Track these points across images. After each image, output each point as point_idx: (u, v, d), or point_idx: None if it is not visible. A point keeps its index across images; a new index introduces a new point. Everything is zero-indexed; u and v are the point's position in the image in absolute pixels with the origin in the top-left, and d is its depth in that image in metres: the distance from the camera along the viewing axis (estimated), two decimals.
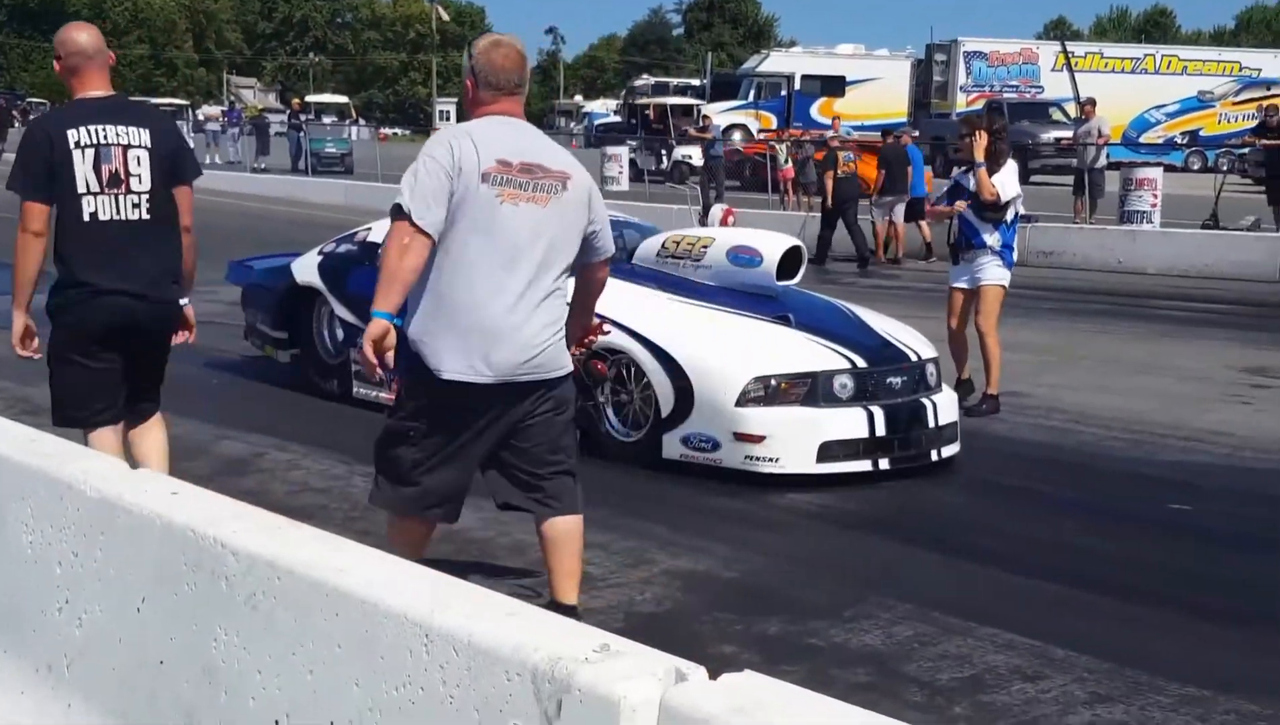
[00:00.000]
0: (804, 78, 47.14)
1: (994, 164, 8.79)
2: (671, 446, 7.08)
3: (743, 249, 7.91)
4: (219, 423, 8.39)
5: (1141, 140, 38.59)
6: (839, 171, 19.01)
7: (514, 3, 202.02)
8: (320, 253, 9.30)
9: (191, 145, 5.50)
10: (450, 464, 4.49)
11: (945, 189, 9.55)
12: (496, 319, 4.29)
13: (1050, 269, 16.75)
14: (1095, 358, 11.37)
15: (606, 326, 5.79)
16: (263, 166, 39.15)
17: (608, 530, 6.17)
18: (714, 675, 2.12)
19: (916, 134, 24.87)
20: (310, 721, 2.57)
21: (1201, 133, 40.16)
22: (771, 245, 7.92)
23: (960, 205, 8.89)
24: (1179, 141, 39.78)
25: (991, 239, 8.80)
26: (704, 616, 5.18)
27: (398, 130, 78.51)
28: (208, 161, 42.26)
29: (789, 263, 7.80)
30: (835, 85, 47.04)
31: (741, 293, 7.76)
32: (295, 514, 5.62)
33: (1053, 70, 42.18)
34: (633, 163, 34.23)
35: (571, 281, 4.67)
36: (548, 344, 4.40)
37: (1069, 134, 27.24)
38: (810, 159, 26.50)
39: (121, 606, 3.06)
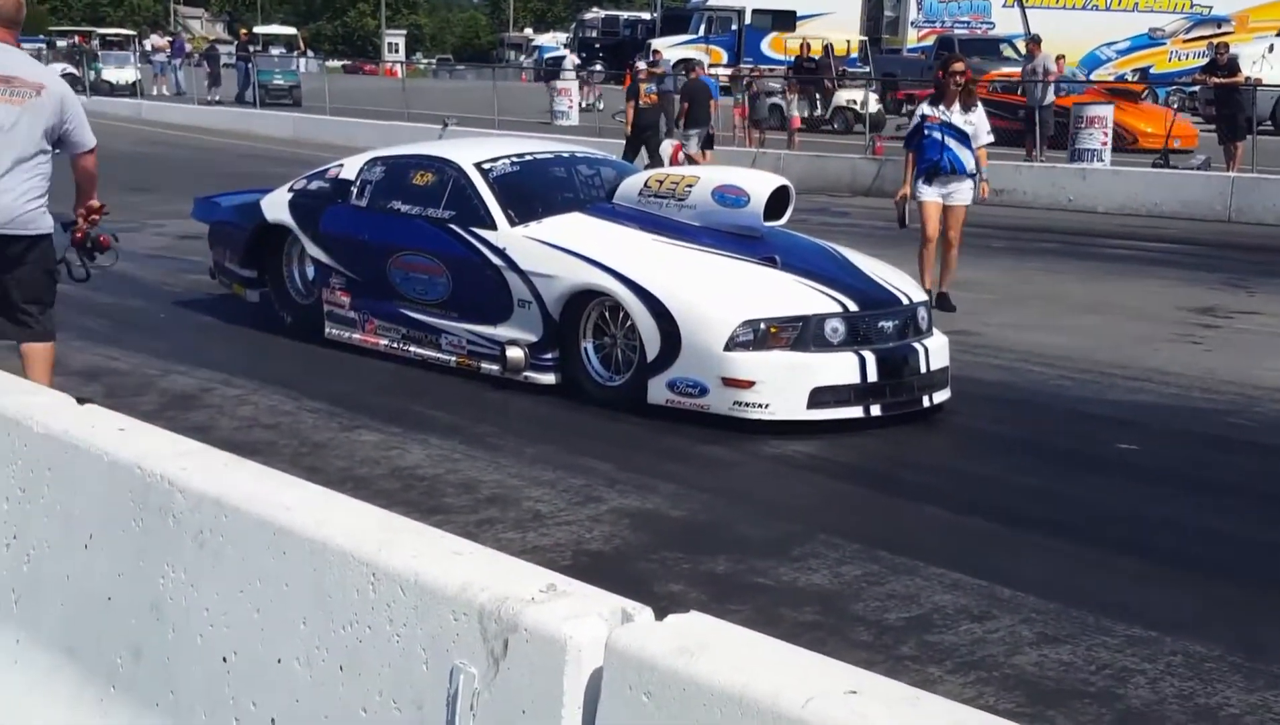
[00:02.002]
0: (755, 12, 46.94)
1: (972, 102, 10.32)
2: (657, 391, 6.95)
3: (729, 188, 7.69)
4: (167, 357, 8.34)
5: (1095, 77, 38.61)
6: (640, 102, 20.36)
7: None
8: (290, 190, 9.12)
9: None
10: None
11: (911, 127, 10.69)
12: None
13: (1000, 207, 16.68)
14: (1044, 297, 11.39)
15: (107, 207, 6.22)
16: (215, 99, 38.61)
17: (555, 468, 6.22)
18: (660, 616, 2.13)
19: (669, 65, 25.43)
20: (258, 659, 2.57)
21: (1152, 70, 40.12)
22: (759, 184, 7.73)
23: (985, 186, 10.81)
24: (1129, 79, 39.79)
25: (971, 165, 10.17)
26: (652, 555, 5.17)
27: (344, 63, 77.49)
28: (155, 93, 41.77)
29: (776, 202, 7.60)
30: (786, 20, 46.84)
31: (727, 234, 7.57)
32: (243, 450, 5.60)
33: (1004, 6, 41.92)
34: (777, 109, 27.68)
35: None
36: (28, 210, 5.61)
37: (1018, 70, 27.25)
38: (761, 95, 26.52)
39: (69, 543, 3.04)
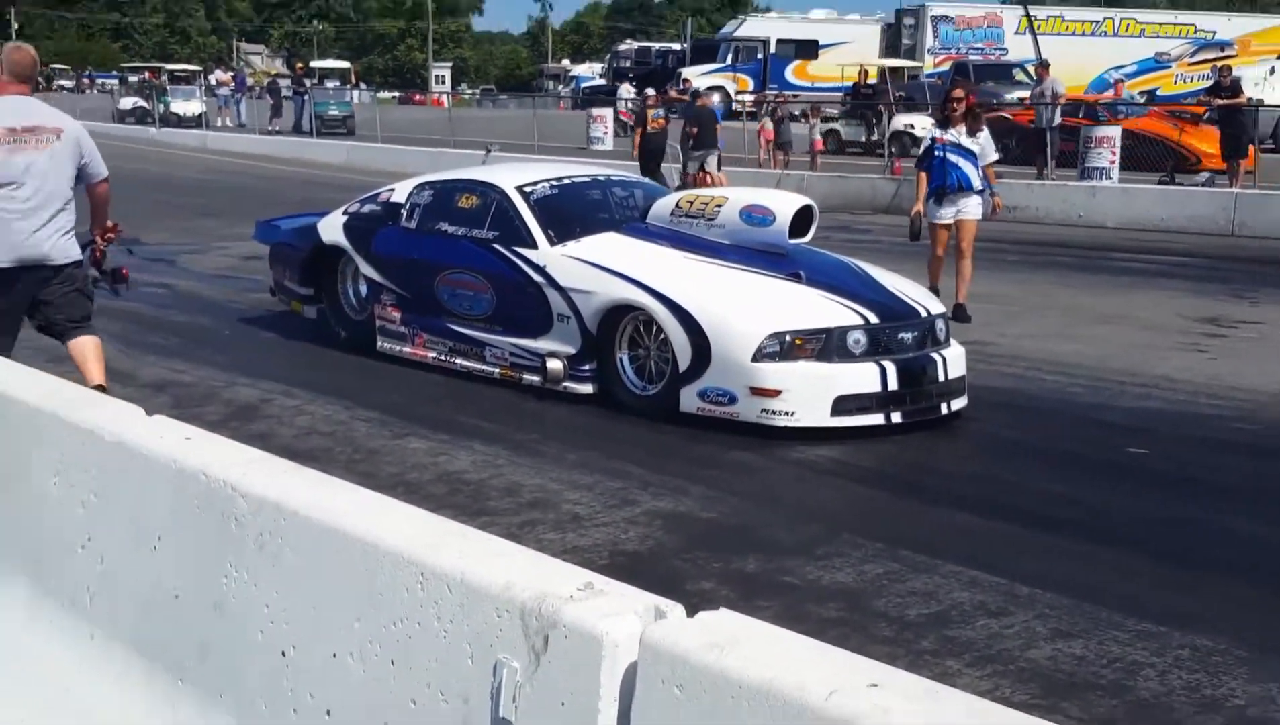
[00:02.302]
0: (779, 41, 46.93)
1: (978, 125, 10.52)
2: (689, 400, 6.93)
3: (756, 208, 7.65)
4: (230, 370, 8.40)
5: (1101, 100, 38.44)
6: (648, 128, 20.99)
7: None
8: (345, 213, 9.16)
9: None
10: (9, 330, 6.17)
11: (924, 149, 10.80)
12: (21, 228, 5.87)
13: (1014, 223, 16.62)
14: (1057, 308, 11.34)
15: (121, 227, 6.72)
16: (275, 129, 38.96)
17: (593, 472, 6.22)
18: (691, 613, 2.13)
19: (716, 97, 24.93)
20: (314, 654, 2.57)
21: (1159, 92, 39.91)
22: (784, 204, 7.67)
23: (998, 201, 10.91)
24: (1138, 100, 39.58)
25: (978, 182, 10.30)
26: (684, 554, 5.17)
27: (394, 94, 78.00)
28: (219, 124, 42.15)
29: (800, 221, 7.55)
30: (809, 49, 46.86)
31: (754, 250, 7.52)
32: (301, 457, 5.64)
33: (1016, 33, 41.74)
34: (834, 134, 28.22)
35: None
36: (61, 242, 6.02)
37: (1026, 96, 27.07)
38: (786, 119, 26.50)
39: (139, 545, 3.06)
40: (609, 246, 7.73)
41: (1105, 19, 45.51)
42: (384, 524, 2.54)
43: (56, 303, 6.15)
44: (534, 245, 7.79)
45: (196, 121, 42.11)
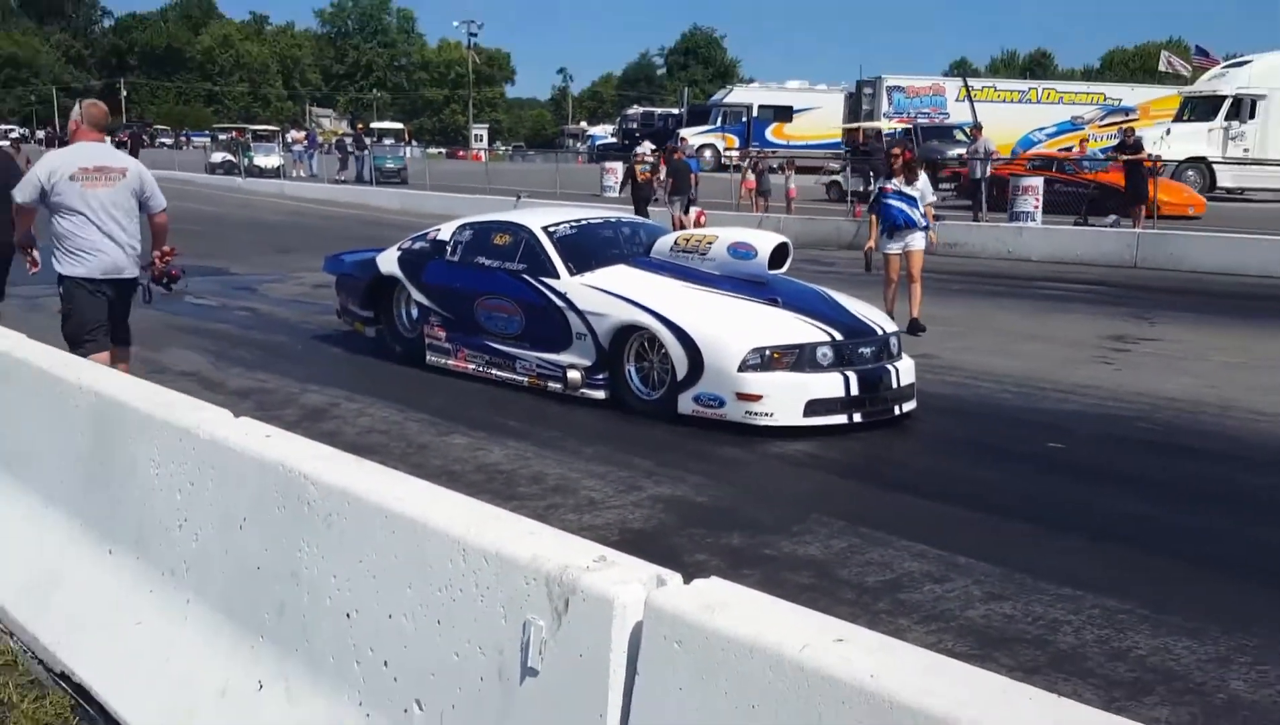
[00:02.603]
0: (760, 107, 47.06)
1: (913, 175, 10.79)
2: (685, 404, 6.95)
3: (741, 244, 7.68)
4: (304, 379, 8.41)
5: (1028, 155, 38.47)
6: (637, 179, 21.27)
7: (530, 48, 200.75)
8: (399, 249, 9.15)
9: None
10: (103, 327, 6.12)
11: (873, 196, 11.15)
12: (106, 246, 6.01)
13: (955, 258, 16.61)
14: (990, 328, 11.31)
15: (177, 249, 6.68)
16: (341, 179, 39.08)
17: (606, 464, 6.23)
18: (688, 580, 2.13)
19: (708, 154, 24.71)
20: (374, 615, 2.58)
21: (1074, 150, 39.98)
22: (764, 241, 7.70)
23: (933, 236, 11.17)
24: (1057, 156, 39.61)
25: (920, 220, 10.58)
26: (681, 532, 5.18)
27: (441, 150, 78.20)
28: (294, 175, 42.25)
29: (778, 255, 7.58)
30: (785, 113, 46.96)
31: (739, 280, 7.53)
32: (362, 451, 5.63)
33: (956, 100, 41.79)
34: (835, 185, 26.70)
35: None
36: (130, 259, 6.16)
37: (963, 152, 27.02)
38: (766, 171, 26.48)
39: (227, 525, 3.06)
40: (619, 276, 7.72)
41: (1030, 88, 45.53)
42: (431, 507, 2.54)
43: (121, 308, 6.32)
44: (557, 275, 7.82)
45: (275, 172, 42.19)
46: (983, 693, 1.72)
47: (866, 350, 7.12)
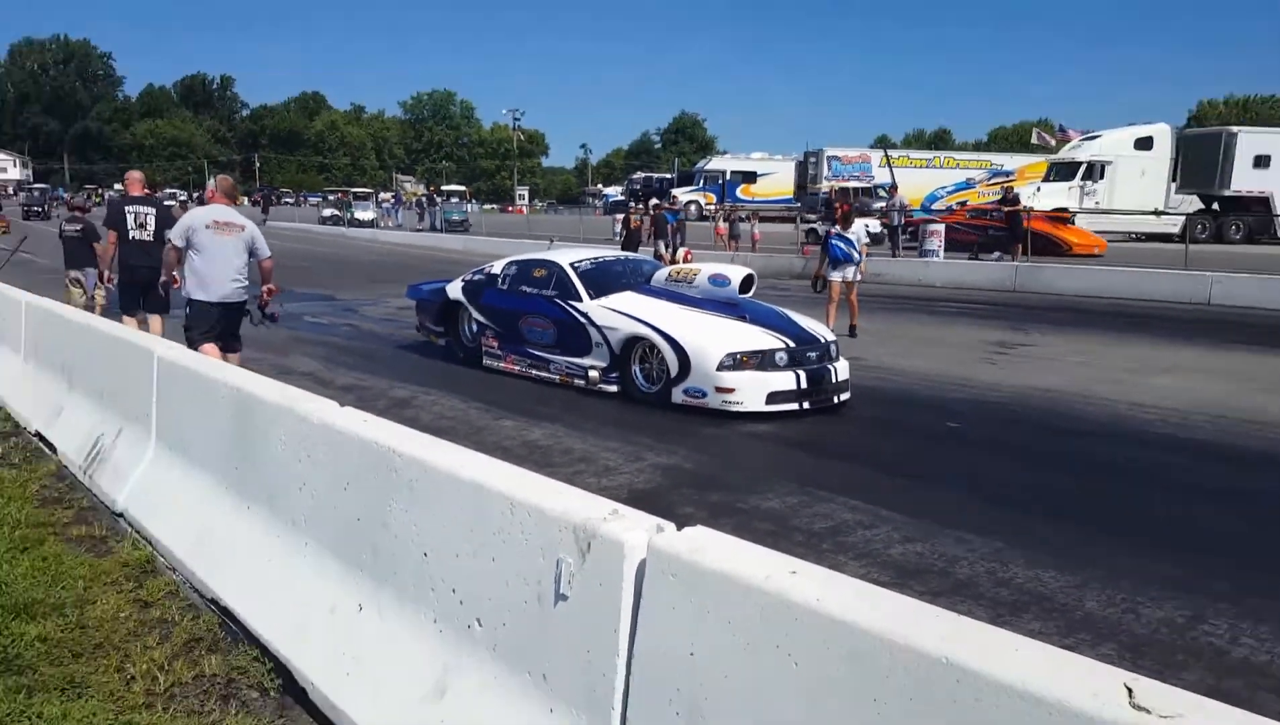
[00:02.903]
0: (731, 172, 46.92)
1: (849, 223, 11.17)
2: (677, 395, 6.99)
3: (718, 275, 7.74)
4: (392, 378, 8.39)
5: (933, 207, 38.37)
6: (630, 226, 21.07)
7: (560, 129, 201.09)
8: (462, 280, 9.21)
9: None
10: (212, 331, 6.32)
11: (824, 238, 11.60)
12: (222, 280, 6.29)
13: (879, 285, 16.58)
14: (905, 337, 11.26)
15: (280, 287, 7.03)
16: (420, 228, 39.07)
17: (618, 441, 6.20)
18: (679, 528, 2.12)
19: (681, 205, 24.54)
20: (444, 554, 2.57)
21: (968, 203, 39.92)
22: (735, 273, 7.78)
23: (863, 267, 11.36)
24: (955, 209, 39.53)
25: (856, 256, 10.92)
26: (675, 491, 5.16)
27: (493, 206, 78.13)
28: (384, 225, 42.27)
29: (745, 283, 7.68)
30: (750, 177, 46.83)
31: (716, 301, 7.57)
32: (436, 432, 5.61)
33: (879, 166, 41.70)
34: (814, 231, 23.93)
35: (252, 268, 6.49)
36: (240, 288, 6.40)
37: (884, 205, 26.92)
38: (736, 220, 26.44)
39: (334, 487, 3.06)
40: (627, 300, 7.74)
41: (935, 156, 45.43)
42: (487, 473, 2.54)
43: (232, 325, 6.52)
44: (580, 299, 7.87)
45: (370, 223, 42.26)
46: (899, 611, 1.71)
47: (813, 354, 7.14)
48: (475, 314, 8.83)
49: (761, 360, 6.90)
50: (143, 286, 7.93)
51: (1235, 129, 30.97)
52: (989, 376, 8.66)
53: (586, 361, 7.68)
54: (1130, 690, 1.39)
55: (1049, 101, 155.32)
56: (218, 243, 6.23)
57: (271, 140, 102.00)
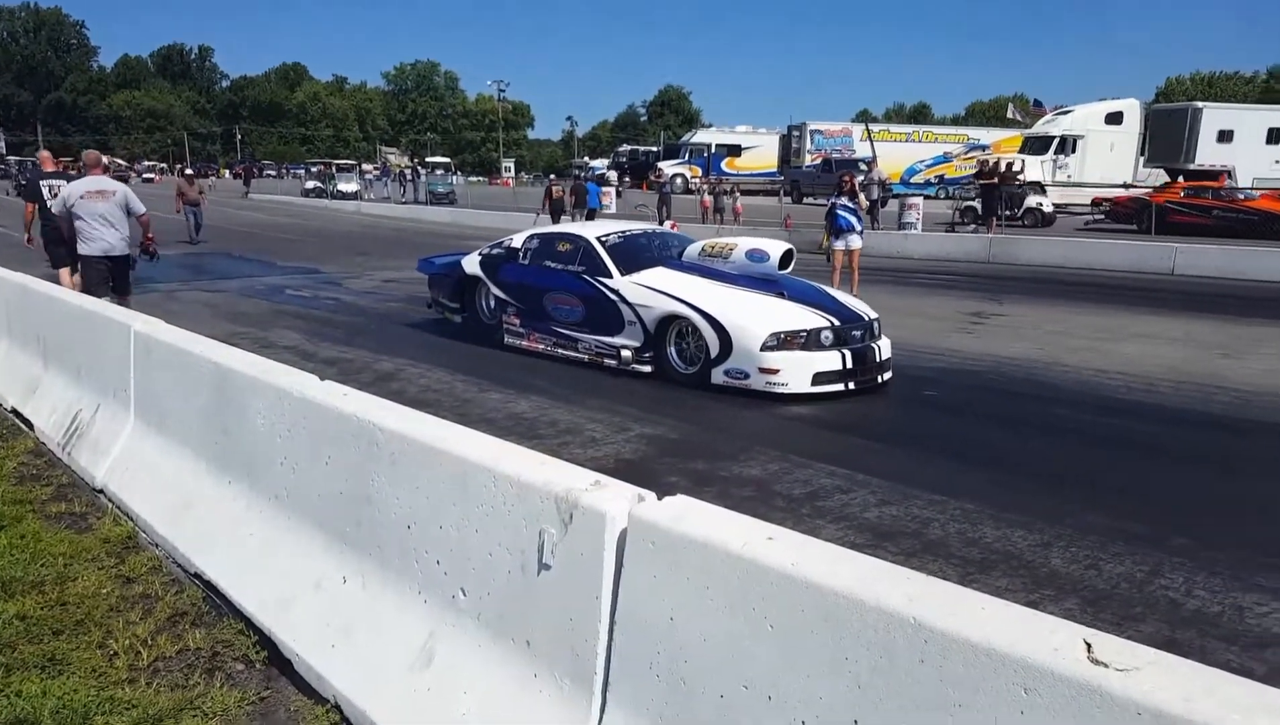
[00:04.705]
0: (717, 145, 46.58)
1: (855, 195, 11.76)
2: (717, 376, 6.64)
3: (756, 251, 7.28)
4: (376, 352, 8.31)
5: (911, 181, 38.36)
6: (553, 196, 21.90)
7: (546, 101, 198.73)
8: (479, 254, 8.75)
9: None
10: (105, 281, 7.50)
11: (828, 209, 11.87)
12: (101, 237, 7.47)
13: (862, 256, 16.61)
14: (885, 308, 11.05)
15: (154, 237, 7.94)
16: (405, 200, 38.57)
17: (604, 412, 6.19)
18: (660, 497, 2.13)
19: (589, 173, 25.30)
20: (427, 526, 2.57)
21: (945, 176, 39.85)
22: (775, 247, 7.32)
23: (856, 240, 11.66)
24: (933, 181, 39.51)
25: (858, 227, 11.54)
26: (659, 461, 5.16)
27: (479, 178, 77.34)
28: (368, 197, 41.70)
29: (785, 258, 7.26)
30: (735, 150, 46.52)
31: (753, 278, 7.16)
32: (421, 405, 5.59)
33: (860, 140, 41.50)
34: (972, 210, 22.67)
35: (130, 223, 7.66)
36: (124, 243, 7.58)
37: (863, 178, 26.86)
38: (721, 193, 26.32)
39: (315, 461, 3.04)
40: (659, 276, 7.35)
41: (914, 131, 45.22)
42: (469, 446, 2.52)
43: (121, 275, 7.62)
44: (610, 275, 7.45)
45: (354, 196, 41.65)
46: (869, 573, 1.73)
47: (857, 332, 6.80)
48: (495, 290, 8.38)
49: (806, 340, 6.54)
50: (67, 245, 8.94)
51: (1200, 104, 31.14)
52: (965, 346, 8.71)
53: (618, 341, 7.30)
54: (1089, 645, 1.41)
55: (1024, 77, 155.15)
56: (93, 208, 7.40)
57: (252, 112, 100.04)
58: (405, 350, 8.34)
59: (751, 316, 6.65)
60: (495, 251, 8.65)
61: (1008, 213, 22.58)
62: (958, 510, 4.30)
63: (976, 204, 23.10)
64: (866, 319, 6.97)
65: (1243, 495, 4.61)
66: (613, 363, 7.30)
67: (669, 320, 6.98)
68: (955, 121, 69.43)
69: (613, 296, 7.32)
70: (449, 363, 7.77)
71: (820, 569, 1.74)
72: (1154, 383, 7.07)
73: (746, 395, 6.57)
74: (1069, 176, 29.54)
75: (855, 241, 11.51)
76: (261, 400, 3.35)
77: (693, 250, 7.81)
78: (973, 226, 20.58)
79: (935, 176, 40.20)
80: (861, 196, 12.10)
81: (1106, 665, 1.38)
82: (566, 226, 8.93)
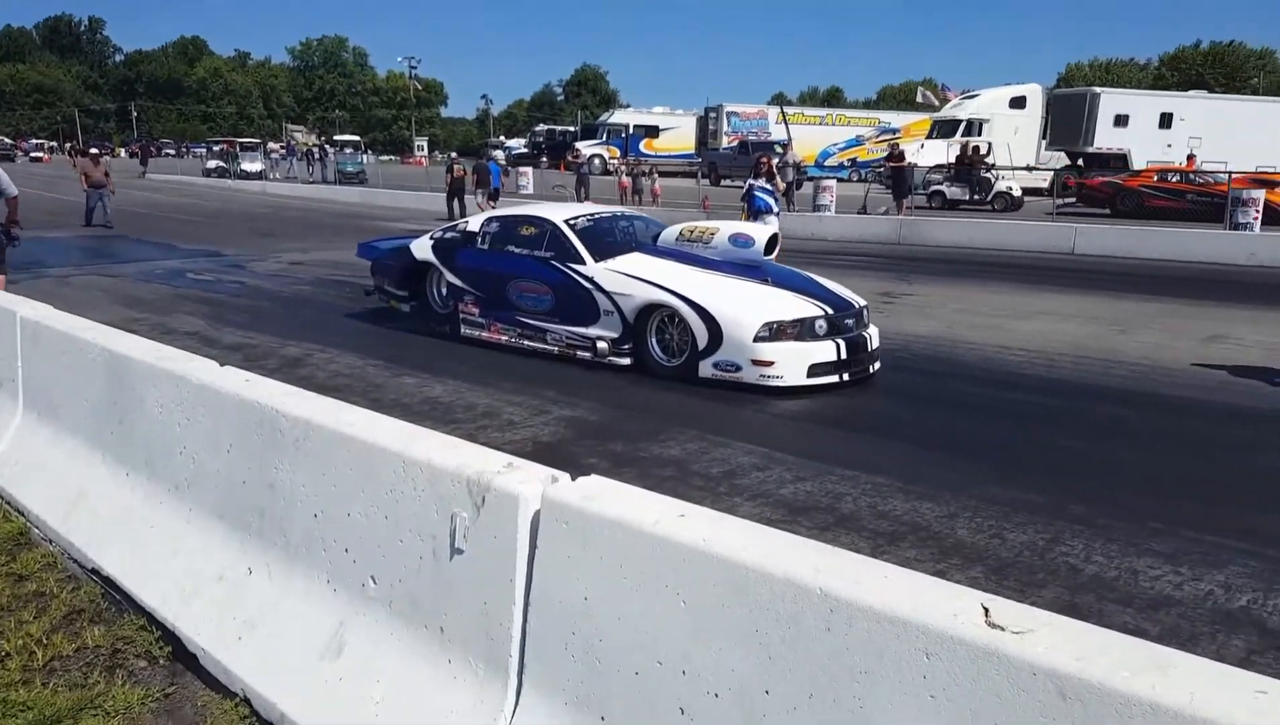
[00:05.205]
0: (635, 126, 46.46)
1: (772, 177, 11.46)
2: (705, 369, 6.27)
3: (741, 235, 6.93)
4: (283, 336, 8.04)
5: (826, 164, 39.08)
6: (453, 176, 21.76)
7: (459, 79, 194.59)
8: (431, 238, 8.08)
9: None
10: None
11: (745, 190, 11.51)
12: None
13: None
14: None
15: (19, 221, 7.70)
16: (312, 180, 37.27)
17: (523, 395, 6.13)
18: (574, 478, 2.12)
19: (497, 155, 25.59)
20: (335, 514, 2.50)
21: (858, 159, 40.71)
22: (761, 232, 7.02)
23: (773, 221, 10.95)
24: (846, 164, 40.34)
25: (775, 208, 11.18)
26: (578, 443, 5.14)
27: (391, 157, 75.36)
28: (273, 177, 40.15)
29: (770, 243, 6.95)
30: (653, 131, 46.48)
31: (735, 264, 6.81)
32: (331, 391, 5.44)
33: (775, 123, 41.89)
34: (939, 195, 23.88)
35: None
36: None
37: (779, 160, 27.21)
38: (639, 174, 26.30)
39: (216, 450, 2.93)
40: (636, 262, 6.91)
41: (828, 114, 45.96)
42: (376, 430, 2.47)
43: None
44: (582, 261, 6.95)
45: (259, 175, 40.03)
46: (778, 546, 1.76)
47: (849, 321, 6.51)
48: (450, 276, 7.76)
49: (800, 330, 6.20)
50: None
51: (1098, 90, 32.64)
52: (877, 324, 8.90)
53: (593, 331, 6.84)
54: (987, 610, 1.47)
55: (934, 61, 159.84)
56: None
57: (149, 88, 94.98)
58: (314, 335, 8.09)
59: (743, 305, 6.29)
60: (449, 236, 8.03)
61: (978, 197, 23.09)
62: (869, 485, 4.41)
63: (945, 189, 23.74)
64: (857, 306, 6.71)
65: (1137, 464, 4.87)
66: (586, 355, 6.89)
67: (650, 309, 6.57)
68: (867, 105, 70.98)
69: (586, 284, 6.86)
70: (360, 347, 7.57)
71: (731, 544, 1.77)
72: (1054, 358, 7.40)
73: (666, 378, 6.54)
74: None
75: (774, 221, 11.67)
76: (159, 388, 3.21)
77: (669, 234, 7.39)
78: (884, 209, 21.09)
79: (849, 159, 41.00)
80: (778, 178, 12.22)
81: (1003, 629, 1.44)
82: (529, 208, 8.38)
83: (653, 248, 7.24)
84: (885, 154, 24.08)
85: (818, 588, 1.61)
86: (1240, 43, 73.79)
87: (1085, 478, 4.63)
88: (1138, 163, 26.46)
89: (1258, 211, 15.82)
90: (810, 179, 23.82)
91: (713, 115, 44.47)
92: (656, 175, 27.00)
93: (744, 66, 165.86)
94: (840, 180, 25.52)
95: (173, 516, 3.08)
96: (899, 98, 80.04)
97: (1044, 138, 32.79)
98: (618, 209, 8.72)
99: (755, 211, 11.57)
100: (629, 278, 6.72)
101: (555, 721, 1.95)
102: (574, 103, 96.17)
